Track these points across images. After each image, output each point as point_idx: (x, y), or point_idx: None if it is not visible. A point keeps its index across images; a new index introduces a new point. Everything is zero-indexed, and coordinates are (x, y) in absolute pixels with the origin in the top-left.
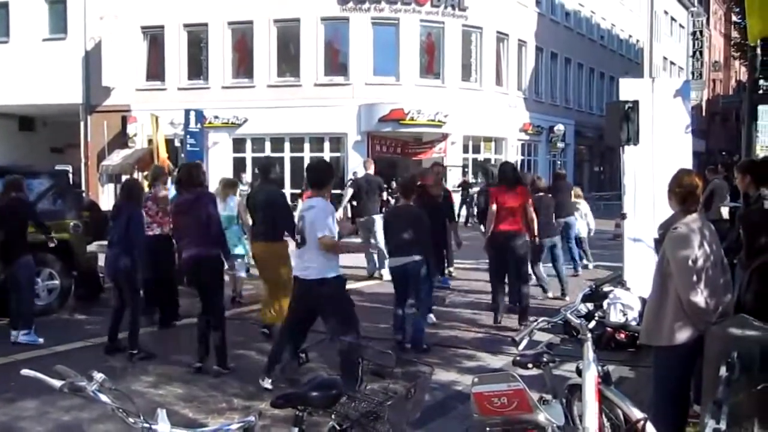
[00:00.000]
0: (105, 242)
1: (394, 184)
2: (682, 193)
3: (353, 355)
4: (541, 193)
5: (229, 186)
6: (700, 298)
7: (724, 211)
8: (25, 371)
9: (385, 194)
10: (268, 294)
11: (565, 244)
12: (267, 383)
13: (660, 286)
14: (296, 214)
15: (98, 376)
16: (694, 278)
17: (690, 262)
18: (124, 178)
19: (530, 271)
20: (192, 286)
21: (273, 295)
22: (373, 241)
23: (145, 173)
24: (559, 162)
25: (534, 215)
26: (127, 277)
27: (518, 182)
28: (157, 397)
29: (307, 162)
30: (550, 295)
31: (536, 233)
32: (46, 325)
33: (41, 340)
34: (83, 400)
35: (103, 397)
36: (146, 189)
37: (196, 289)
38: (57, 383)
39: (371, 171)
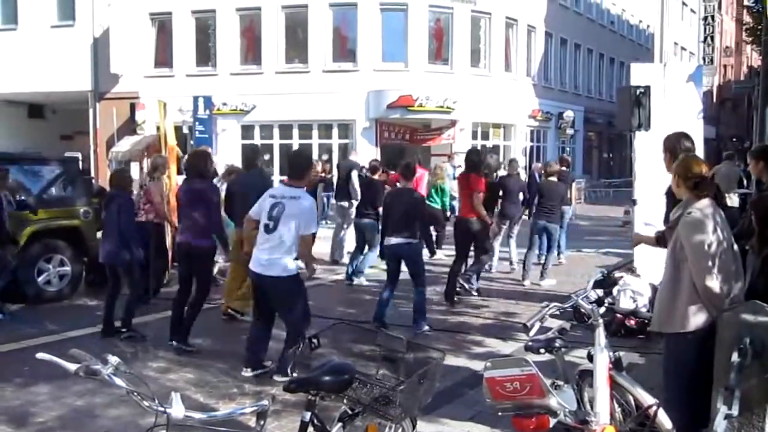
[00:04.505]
0: None
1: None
2: (694, 179)
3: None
4: (552, 179)
5: (227, 174)
6: (715, 283)
7: (734, 199)
8: (40, 355)
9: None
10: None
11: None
12: (248, 373)
13: (673, 272)
14: (270, 199)
15: (113, 359)
16: (710, 263)
17: (705, 247)
18: (133, 164)
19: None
20: (180, 269)
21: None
22: (346, 226)
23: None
24: (568, 148)
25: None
26: (122, 262)
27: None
28: (168, 382)
29: (316, 149)
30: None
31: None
32: (58, 311)
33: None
34: (96, 384)
35: (118, 381)
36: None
37: (180, 272)
38: (72, 367)
39: (352, 157)
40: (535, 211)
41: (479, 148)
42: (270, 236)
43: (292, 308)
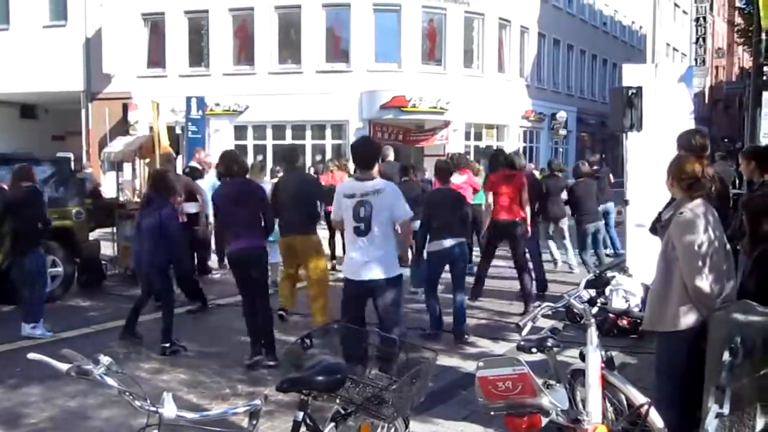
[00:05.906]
0: (107, 230)
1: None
2: (687, 180)
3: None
4: (583, 178)
5: (256, 171)
6: (705, 283)
7: None
8: (32, 355)
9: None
10: (315, 291)
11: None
12: None
13: (664, 271)
14: (348, 200)
15: (105, 359)
16: (700, 263)
17: (696, 247)
18: (125, 165)
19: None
20: (237, 277)
21: (319, 291)
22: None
23: (147, 161)
24: (561, 149)
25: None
26: (160, 271)
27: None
28: (161, 382)
29: (309, 149)
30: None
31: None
32: (50, 311)
33: (50, 333)
34: (88, 386)
35: (110, 381)
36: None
37: (242, 281)
38: (64, 367)
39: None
40: (576, 213)
41: (472, 148)
42: (365, 238)
43: (397, 313)
